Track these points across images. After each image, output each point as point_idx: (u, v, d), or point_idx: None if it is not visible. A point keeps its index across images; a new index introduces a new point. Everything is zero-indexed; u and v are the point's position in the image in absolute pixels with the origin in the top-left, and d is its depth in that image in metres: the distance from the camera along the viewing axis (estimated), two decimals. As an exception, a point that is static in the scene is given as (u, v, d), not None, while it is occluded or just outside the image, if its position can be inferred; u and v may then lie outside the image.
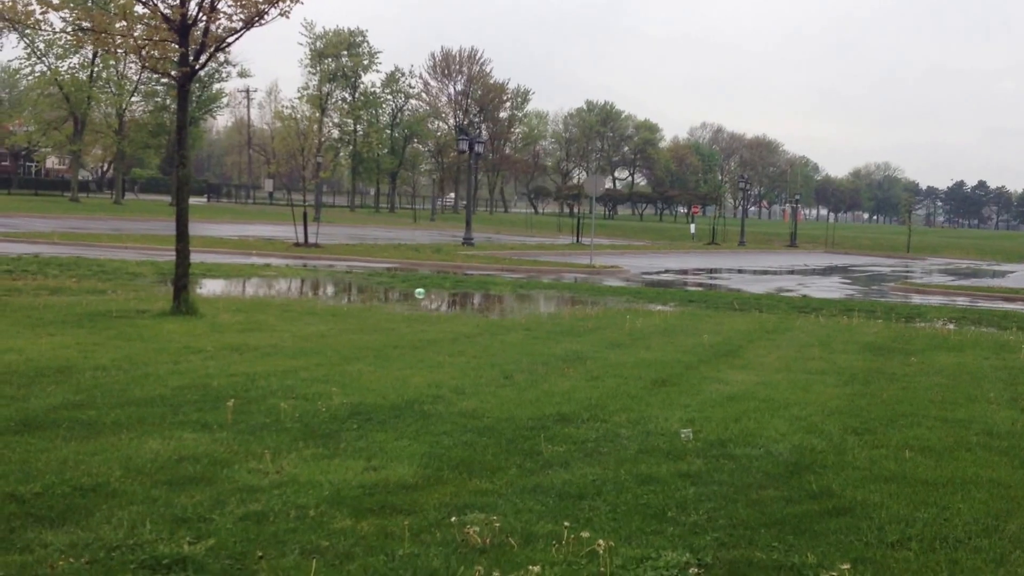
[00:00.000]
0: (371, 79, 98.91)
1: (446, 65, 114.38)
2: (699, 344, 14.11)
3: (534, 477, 6.69)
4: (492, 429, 8.00)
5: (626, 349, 13.24)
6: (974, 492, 6.76)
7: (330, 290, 21.27)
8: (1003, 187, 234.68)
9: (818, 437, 8.27)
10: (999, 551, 5.58)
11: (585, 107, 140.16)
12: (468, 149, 46.30)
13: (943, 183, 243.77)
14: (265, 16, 14.44)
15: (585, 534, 5.31)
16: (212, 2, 14.05)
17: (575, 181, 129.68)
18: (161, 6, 14.00)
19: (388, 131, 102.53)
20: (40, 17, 14.38)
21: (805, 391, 10.53)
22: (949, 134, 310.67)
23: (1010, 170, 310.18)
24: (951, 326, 18.77)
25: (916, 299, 28.09)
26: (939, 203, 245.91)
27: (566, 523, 5.46)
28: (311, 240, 36.07)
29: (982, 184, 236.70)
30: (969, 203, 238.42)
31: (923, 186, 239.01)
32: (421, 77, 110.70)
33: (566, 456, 7.28)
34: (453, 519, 5.62)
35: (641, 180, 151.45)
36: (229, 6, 14.31)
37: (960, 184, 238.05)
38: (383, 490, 6.25)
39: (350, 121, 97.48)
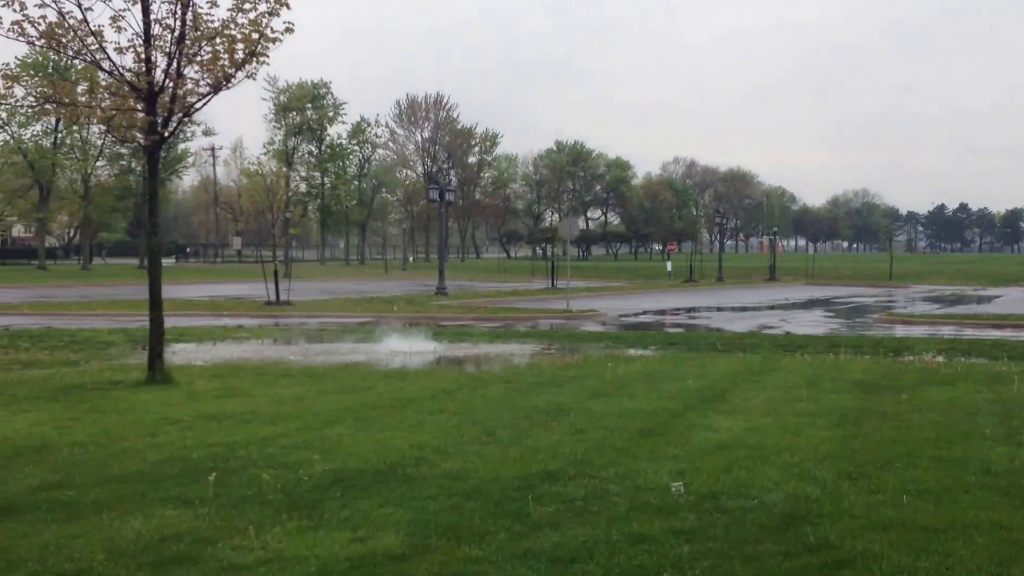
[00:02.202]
0: (337, 131, 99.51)
1: (412, 112, 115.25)
2: (684, 389, 14.17)
3: (524, 541, 6.71)
4: (478, 491, 8.03)
5: (609, 398, 13.27)
6: (976, 537, 6.79)
7: (304, 349, 21.22)
8: (985, 209, 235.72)
9: (812, 484, 8.30)
10: (1003, 600, 5.62)
11: (555, 147, 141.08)
12: (439, 197, 46.49)
13: (924, 207, 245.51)
14: (232, 79, 14.58)
15: (581, 601, 5.35)
16: (179, 69, 14.16)
17: (547, 224, 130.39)
18: (127, 74, 14.10)
19: (356, 182, 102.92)
20: (4, 92, 14.52)
21: (795, 435, 10.56)
22: (927, 157, 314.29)
23: (992, 191, 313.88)
24: (940, 358, 18.93)
25: (901, 331, 28.31)
26: (920, 228, 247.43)
27: (561, 590, 5.49)
28: (282, 298, 36.03)
29: (964, 207, 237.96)
30: (951, 227, 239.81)
31: (903, 211, 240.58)
32: (387, 126, 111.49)
33: (555, 517, 7.31)
34: (445, 592, 5.65)
35: (615, 219, 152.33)
36: (196, 72, 14.46)
37: (941, 208, 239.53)
38: (371, 563, 6.26)
39: (317, 174, 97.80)
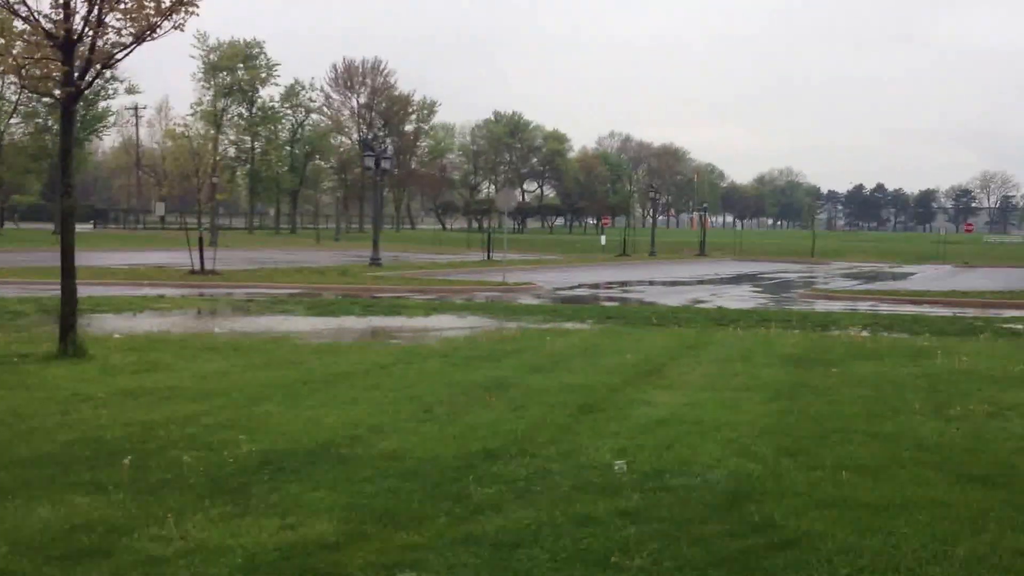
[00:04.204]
0: (269, 93, 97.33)
1: (348, 77, 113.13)
2: (622, 364, 13.98)
3: (465, 525, 6.39)
4: (416, 472, 7.68)
5: (548, 373, 13.01)
6: (916, 514, 6.73)
7: (230, 322, 20.59)
8: (900, 189, 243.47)
9: (753, 461, 8.18)
10: (953, 580, 5.51)
11: (493, 118, 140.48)
12: (375, 165, 45.68)
13: (843, 187, 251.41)
14: (158, 30, 13.78)
15: (527, 593, 5.03)
16: (99, 16, 13.32)
17: (484, 195, 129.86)
18: (43, 21, 13.26)
19: (288, 148, 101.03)
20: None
21: (733, 410, 10.48)
22: (848, 138, 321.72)
23: (907, 172, 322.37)
24: (865, 333, 19.09)
25: (826, 305, 28.54)
26: (840, 206, 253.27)
27: (506, 581, 5.17)
28: (208, 267, 35.08)
29: (880, 187, 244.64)
30: (868, 205, 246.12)
31: (824, 190, 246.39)
32: (322, 90, 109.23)
33: (497, 498, 7.00)
34: (382, 583, 5.29)
35: (550, 192, 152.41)
36: (118, 20, 13.54)
37: (859, 187, 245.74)
38: (302, 552, 5.88)
39: (247, 138, 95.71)
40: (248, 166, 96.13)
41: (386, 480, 7.43)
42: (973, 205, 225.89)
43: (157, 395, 10.99)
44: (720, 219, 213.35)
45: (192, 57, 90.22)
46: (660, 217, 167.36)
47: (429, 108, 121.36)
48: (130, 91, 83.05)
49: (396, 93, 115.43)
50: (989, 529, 6.46)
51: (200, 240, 35.89)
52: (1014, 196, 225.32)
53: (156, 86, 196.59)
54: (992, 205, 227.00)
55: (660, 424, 9.67)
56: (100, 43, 13.60)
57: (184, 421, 9.50)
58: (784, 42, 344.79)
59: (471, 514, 6.63)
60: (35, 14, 13.19)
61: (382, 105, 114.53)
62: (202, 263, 35.08)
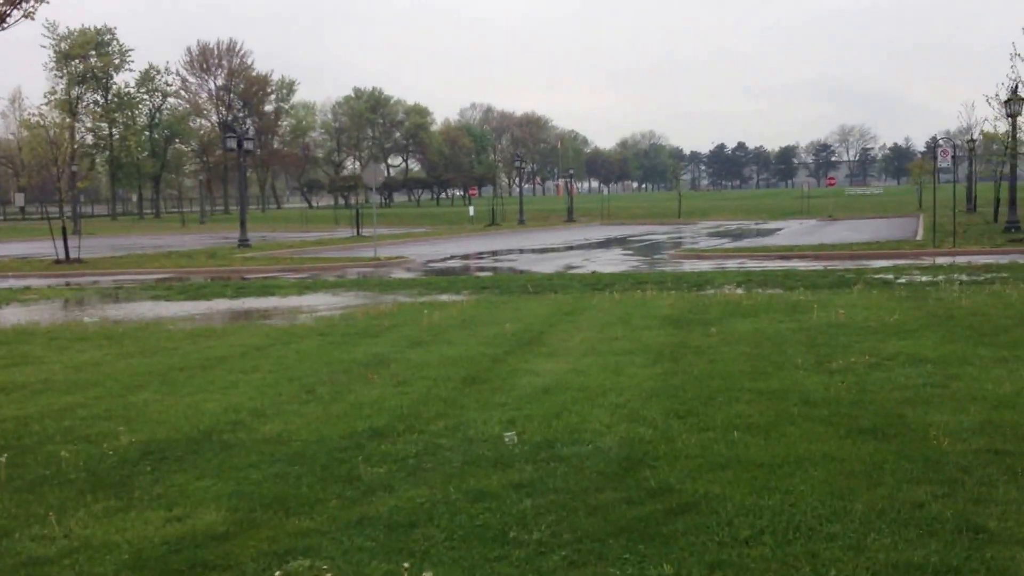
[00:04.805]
0: (124, 79, 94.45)
1: (204, 59, 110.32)
2: (501, 334, 13.84)
3: (358, 507, 6.18)
4: (303, 455, 7.42)
5: (428, 347, 12.80)
6: (811, 471, 6.66)
7: (100, 310, 19.73)
8: (761, 147, 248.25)
9: (643, 425, 8.08)
10: (854, 536, 5.47)
11: (353, 94, 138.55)
12: (237, 146, 44.40)
13: (705, 147, 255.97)
14: (7, 19, 13.00)
15: (428, 574, 4.87)
16: (-56, 7, 12.50)
17: (349, 172, 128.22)
18: None
19: (147, 133, 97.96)
20: None
21: (617, 374, 10.40)
22: (708, 99, 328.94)
23: (767, 130, 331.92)
24: (740, 290, 19.30)
25: (699, 265, 28.93)
26: (703, 167, 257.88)
27: (405, 563, 5.00)
28: (73, 255, 33.59)
29: (741, 145, 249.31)
30: (731, 164, 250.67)
31: (687, 151, 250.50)
32: (178, 74, 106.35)
33: (388, 478, 6.80)
34: (277, 572, 5.06)
35: (415, 165, 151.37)
36: (-35, 12, 12.81)
37: (721, 147, 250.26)
38: (191, 544, 5.60)
39: (104, 125, 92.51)
40: (107, 153, 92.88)
41: (273, 465, 7.16)
42: (833, 159, 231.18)
43: (29, 389, 10.47)
44: (586, 184, 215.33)
45: (43, 47, 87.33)
46: (526, 185, 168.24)
47: (288, 87, 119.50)
48: (-20, 83, 79.39)
49: (254, 74, 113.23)
50: (885, 482, 6.39)
51: (64, 229, 34.38)
52: (872, 148, 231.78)
53: (8, 78, 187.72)
54: (852, 158, 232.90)
55: (546, 392, 9.55)
56: (-54, 35, 12.77)
57: (60, 414, 9.05)
58: (638, 6, 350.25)
59: (363, 495, 6.42)
60: None
61: (240, 86, 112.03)
62: (67, 252, 33.58)
